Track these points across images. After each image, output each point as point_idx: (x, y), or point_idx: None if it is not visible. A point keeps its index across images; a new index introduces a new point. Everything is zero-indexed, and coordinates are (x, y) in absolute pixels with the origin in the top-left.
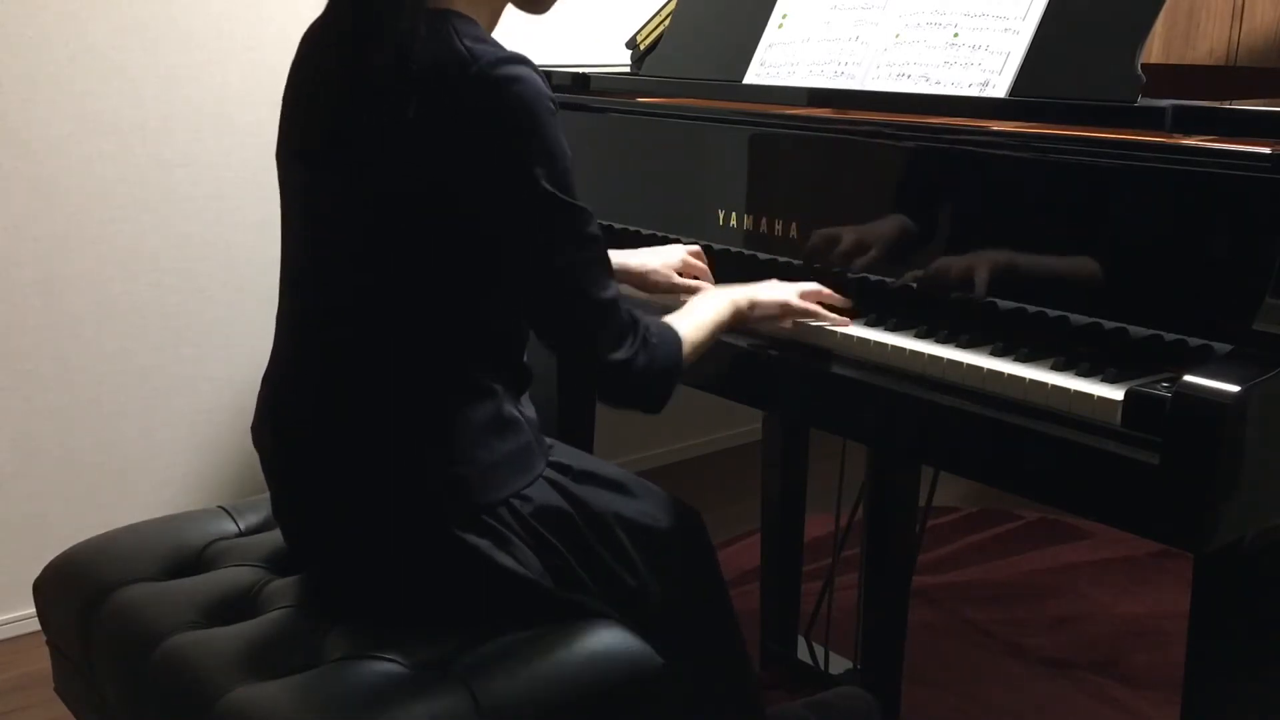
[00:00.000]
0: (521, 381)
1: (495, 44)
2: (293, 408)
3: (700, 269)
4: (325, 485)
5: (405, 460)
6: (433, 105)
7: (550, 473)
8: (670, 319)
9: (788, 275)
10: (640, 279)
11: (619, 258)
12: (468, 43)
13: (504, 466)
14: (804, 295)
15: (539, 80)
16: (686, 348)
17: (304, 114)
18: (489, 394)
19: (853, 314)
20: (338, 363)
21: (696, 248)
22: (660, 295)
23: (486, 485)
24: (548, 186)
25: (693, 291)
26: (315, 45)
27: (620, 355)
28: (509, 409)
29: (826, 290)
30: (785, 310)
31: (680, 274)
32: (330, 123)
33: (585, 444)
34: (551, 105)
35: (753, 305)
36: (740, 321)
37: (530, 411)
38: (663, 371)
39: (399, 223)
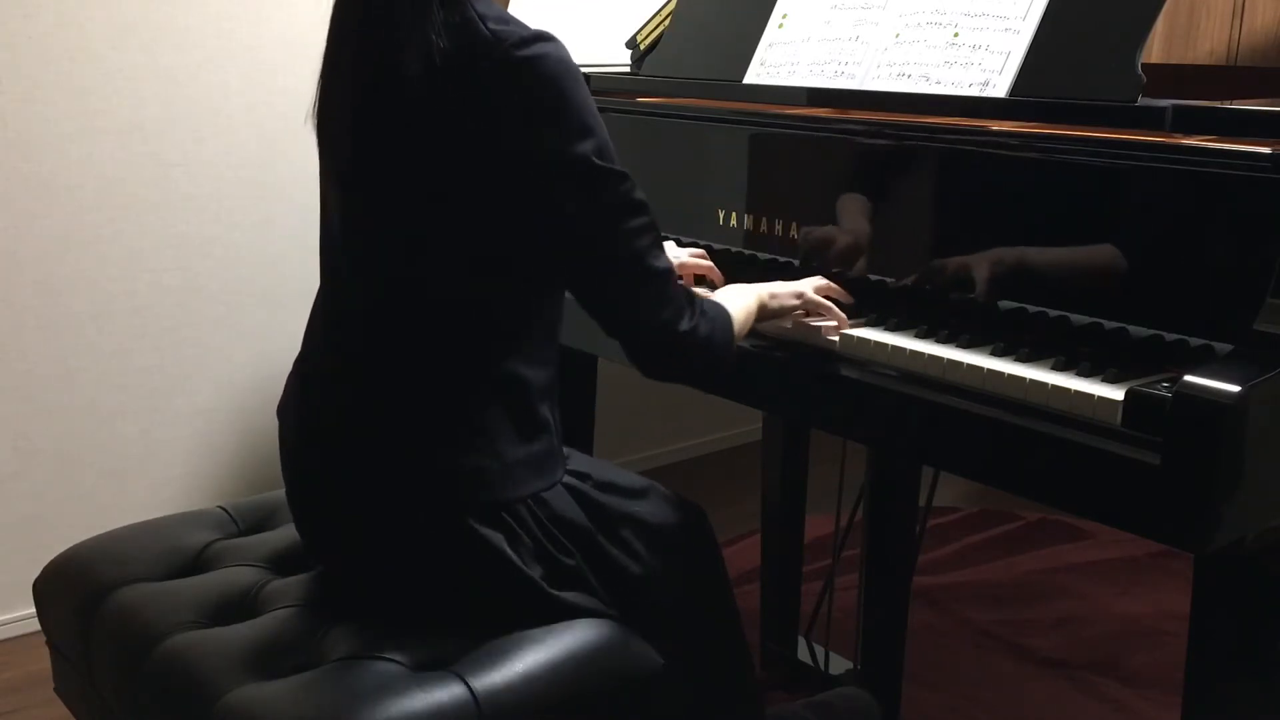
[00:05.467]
0: (552, 383)
1: (518, 23)
2: (321, 396)
3: (703, 267)
4: (346, 470)
5: (428, 449)
6: (464, 96)
7: (570, 479)
8: (712, 296)
9: (787, 276)
10: None
11: None
12: (491, 26)
13: (526, 466)
14: (816, 290)
15: (563, 54)
16: (735, 324)
17: (338, 126)
18: (520, 393)
19: (853, 314)
20: (372, 354)
21: (699, 250)
22: None
23: (507, 482)
24: (591, 157)
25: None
26: (337, 62)
27: (685, 325)
28: (538, 411)
29: (836, 286)
30: (801, 300)
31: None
32: (365, 129)
33: (585, 444)
34: (579, 75)
35: (772, 295)
36: (762, 312)
37: (556, 417)
38: (725, 341)
39: (437, 218)
